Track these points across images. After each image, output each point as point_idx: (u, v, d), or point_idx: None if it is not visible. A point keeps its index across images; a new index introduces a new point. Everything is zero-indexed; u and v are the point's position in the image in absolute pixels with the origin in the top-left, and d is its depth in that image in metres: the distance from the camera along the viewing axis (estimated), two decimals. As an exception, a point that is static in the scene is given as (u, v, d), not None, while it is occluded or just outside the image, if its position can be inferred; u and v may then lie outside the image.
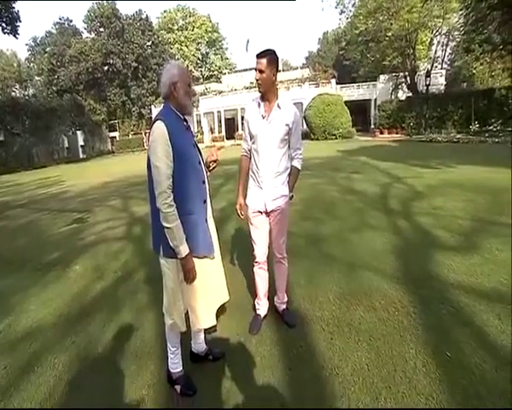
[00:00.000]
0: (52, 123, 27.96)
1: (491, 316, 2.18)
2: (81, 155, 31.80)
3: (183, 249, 1.57)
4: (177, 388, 1.81)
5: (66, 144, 31.44)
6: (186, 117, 1.71)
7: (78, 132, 32.38)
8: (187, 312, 1.79)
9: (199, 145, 1.79)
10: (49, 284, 3.41)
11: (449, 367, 1.79)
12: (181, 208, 1.58)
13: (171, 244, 1.57)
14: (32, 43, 37.26)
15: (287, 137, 2.04)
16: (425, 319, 2.22)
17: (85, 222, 5.98)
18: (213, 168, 1.89)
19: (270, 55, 1.93)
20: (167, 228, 1.54)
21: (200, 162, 1.71)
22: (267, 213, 2.14)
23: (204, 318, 1.74)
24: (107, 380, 1.96)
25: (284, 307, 2.40)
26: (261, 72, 1.94)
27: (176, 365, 1.84)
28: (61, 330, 2.52)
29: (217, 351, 2.05)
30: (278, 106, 2.01)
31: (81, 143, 33.03)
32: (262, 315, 2.35)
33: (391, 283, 2.74)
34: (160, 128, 1.51)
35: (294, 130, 2.05)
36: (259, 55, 1.94)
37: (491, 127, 17.00)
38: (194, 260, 1.65)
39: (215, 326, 2.03)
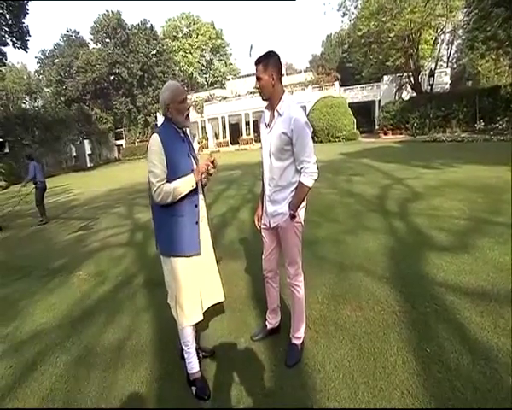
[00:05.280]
0: (60, 133, 28.61)
1: (473, 313, 2.24)
2: (88, 164, 32.42)
3: (190, 180, 1.76)
4: (193, 389, 1.85)
5: (74, 153, 32.18)
6: (185, 128, 1.89)
7: (86, 141, 33.08)
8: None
9: (200, 152, 1.95)
10: (54, 289, 3.57)
11: (427, 363, 1.86)
12: (172, 209, 1.77)
13: (187, 188, 1.76)
14: (41, 56, 38.23)
15: (288, 147, 1.82)
16: (409, 317, 2.29)
17: (91, 229, 6.17)
18: (210, 175, 1.91)
19: (265, 60, 1.80)
20: (174, 196, 1.72)
21: (193, 170, 1.84)
22: (271, 229, 2.01)
23: (189, 315, 1.84)
24: (104, 376, 2.08)
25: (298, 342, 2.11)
26: (259, 79, 1.82)
27: (191, 365, 1.89)
28: (64, 332, 2.67)
29: (207, 349, 2.16)
30: (278, 112, 1.84)
31: (88, 151, 33.72)
32: (268, 327, 2.28)
33: (380, 283, 2.81)
34: (154, 140, 1.72)
35: (296, 139, 1.78)
36: (256, 62, 1.83)
37: (496, 125, 16.77)
38: (183, 259, 1.80)
39: (203, 322, 2.05)
